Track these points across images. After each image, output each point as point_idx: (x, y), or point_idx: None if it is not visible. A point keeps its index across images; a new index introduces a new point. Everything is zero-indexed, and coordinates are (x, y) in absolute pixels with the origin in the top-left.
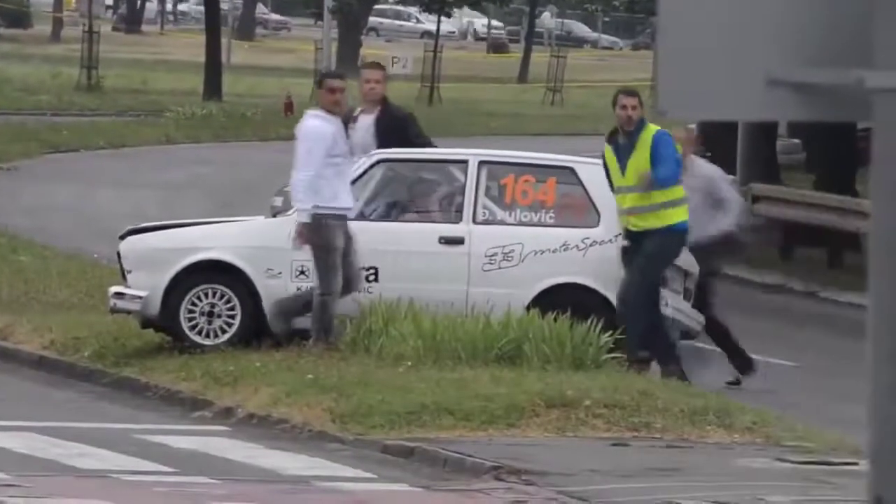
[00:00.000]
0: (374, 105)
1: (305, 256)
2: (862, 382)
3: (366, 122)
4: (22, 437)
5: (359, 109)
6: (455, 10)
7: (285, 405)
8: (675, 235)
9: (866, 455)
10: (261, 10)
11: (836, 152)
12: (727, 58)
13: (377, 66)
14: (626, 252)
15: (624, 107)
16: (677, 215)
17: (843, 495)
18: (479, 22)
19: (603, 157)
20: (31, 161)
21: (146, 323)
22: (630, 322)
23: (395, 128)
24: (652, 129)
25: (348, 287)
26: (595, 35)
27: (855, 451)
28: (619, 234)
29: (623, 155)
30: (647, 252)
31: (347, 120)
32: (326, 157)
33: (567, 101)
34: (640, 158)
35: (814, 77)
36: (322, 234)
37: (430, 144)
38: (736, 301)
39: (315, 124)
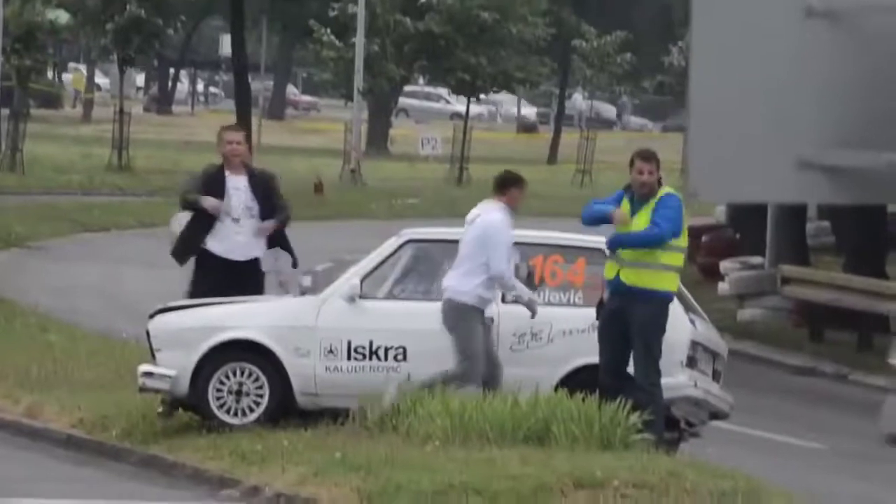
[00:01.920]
0: (238, 167)
1: (334, 336)
2: (892, 466)
3: (240, 183)
4: None
5: (215, 168)
6: (483, 94)
7: (313, 484)
8: (665, 303)
9: None
10: (291, 91)
11: (866, 235)
12: (758, 140)
13: (238, 127)
14: (601, 306)
15: (640, 172)
16: (672, 282)
17: None
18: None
19: (619, 199)
20: (61, 240)
21: (175, 402)
22: (643, 400)
23: (267, 188)
24: (665, 189)
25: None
26: (626, 118)
27: None
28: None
29: (636, 208)
30: (643, 324)
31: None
32: (509, 255)
33: (596, 181)
34: (647, 213)
35: (844, 160)
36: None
37: (287, 208)
38: (765, 383)
39: (502, 217)
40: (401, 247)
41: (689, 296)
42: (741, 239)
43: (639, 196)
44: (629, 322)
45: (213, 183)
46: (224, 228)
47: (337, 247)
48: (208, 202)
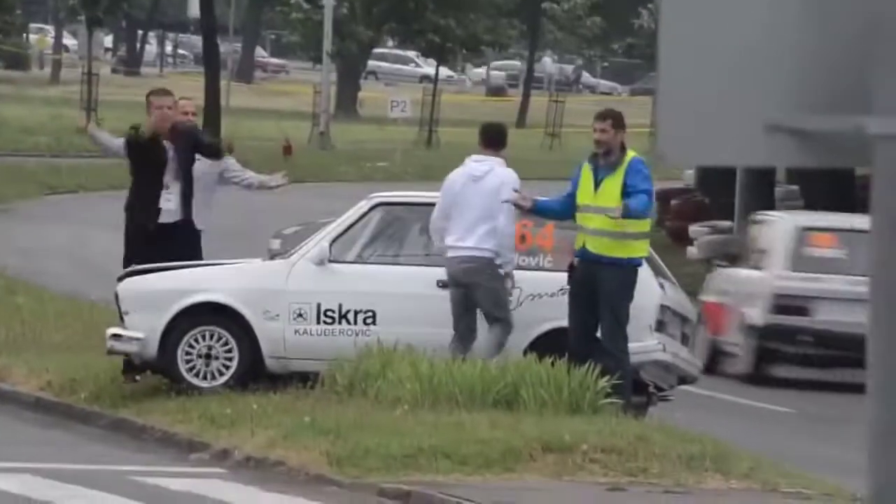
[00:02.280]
0: (166, 133)
1: (304, 299)
2: (861, 428)
3: (171, 149)
4: (19, 478)
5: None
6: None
7: (282, 448)
8: (633, 269)
9: (865, 502)
10: (260, 54)
11: (835, 198)
12: (726, 103)
13: (167, 91)
14: (572, 271)
15: (594, 130)
16: (640, 249)
17: None
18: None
19: (578, 171)
20: (29, 202)
21: (143, 365)
22: (610, 365)
23: (190, 142)
24: (630, 154)
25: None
26: (594, 80)
27: (853, 497)
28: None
29: (601, 174)
30: (610, 291)
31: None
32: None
33: (566, 145)
34: (615, 181)
35: (813, 123)
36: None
37: (219, 149)
38: None
39: (514, 174)
40: (370, 210)
41: (658, 260)
42: (710, 203)
43: (603, 160)
44: (597, 289)
45: (152, 151)
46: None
47: (306, 210)
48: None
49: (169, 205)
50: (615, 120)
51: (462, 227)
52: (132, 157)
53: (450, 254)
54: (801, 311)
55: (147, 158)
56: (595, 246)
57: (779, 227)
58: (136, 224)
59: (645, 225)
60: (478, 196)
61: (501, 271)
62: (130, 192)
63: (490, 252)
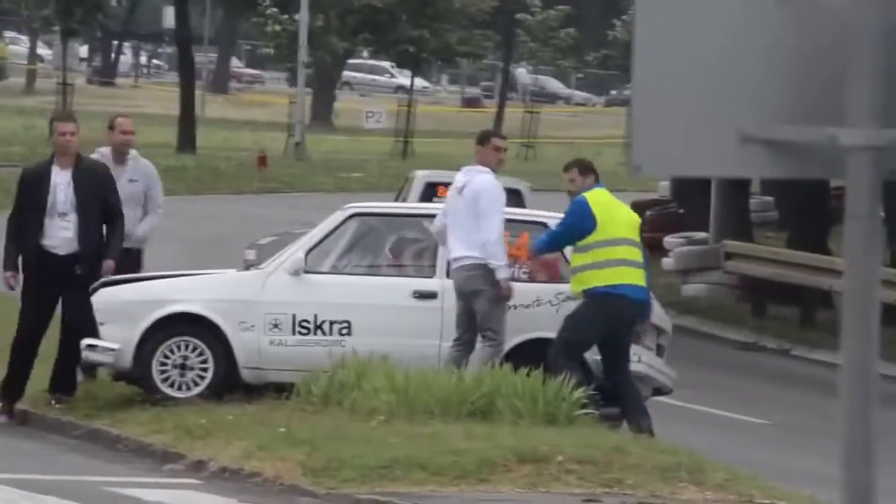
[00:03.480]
0: (68, 160)
1: (279, 310)
2: (834, 441)
3: (66, 178)
4: None
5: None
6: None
7: (257, 459)
8: (592, 298)
9: None
10: (235, 64)
11: (809, 210)
12: (701, 115)
13: (71, 117)
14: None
15: (504, 149)
16: (594, 279)
17: None
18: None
19: (588, 205)
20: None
21: (118, 375)
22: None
23: (96, 185)
24: (582, 194)
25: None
26: (568, 91)
27: None
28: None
29: None
30: (570, 314)
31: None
32: (502, 217)
33: (541, 156)
34: None
35: (787, 134)
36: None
37: (120, 212)
38: (707, 358)
39: (492, 181)
40: (345, 220)
41: None
42: (685, 214)
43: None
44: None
45: (36, 179)
46: (52, 224)
47: (281, 220)
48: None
49: (66, 233)
50: (581, 167)
51: (455, 238)
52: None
53: (452, 266)
54: None
55: (31, 186)
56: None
57: None
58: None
59: (591, 256)
60: (462, 207)
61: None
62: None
63: (483, 260)
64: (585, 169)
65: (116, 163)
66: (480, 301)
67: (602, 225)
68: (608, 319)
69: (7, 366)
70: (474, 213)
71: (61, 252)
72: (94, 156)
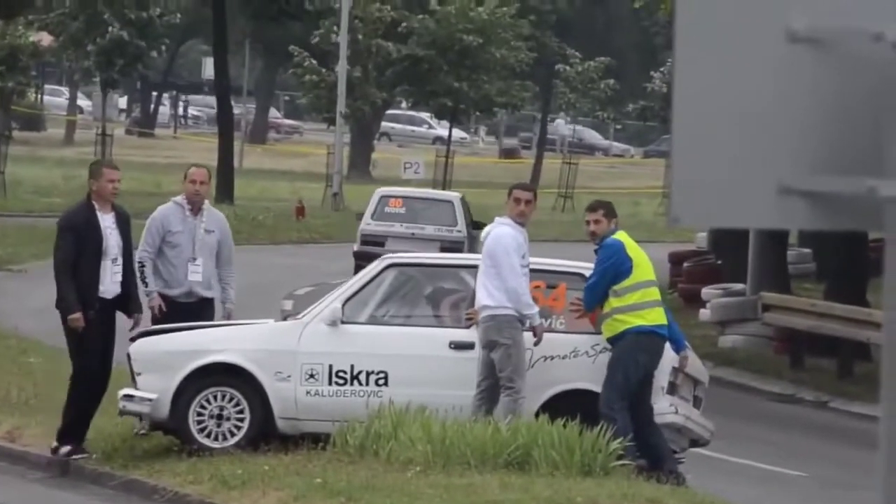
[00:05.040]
0: (109, 206)
1: (315, 360)
2: (871, 493)
3: (110, 221)
4: None
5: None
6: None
7: None
8: (630, 337)
9: None
10: (273, 115)
11: (848, 262)
12: (740, 166)
13: (115, 165)
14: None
15: (587, 223)
16: (634, 320)
17: None
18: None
19: (624, 248)
20: (42, 263)
21: (155, 426)
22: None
23: (128, 230)
24: (611, 236)
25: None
26: (607, 143)
27: None
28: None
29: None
30: (610, 358)
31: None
32: (518, 266)
33: (578, 207)
34: None
35: (825, 186)
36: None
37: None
38: (744, 410)
39: (502, 231)
40: (383, 270)
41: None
42: (723, 265)
43: (595, 248)
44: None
45: (86, 224)
46: (106, 269)
47: (319, 271)
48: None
49: (117, 277)
50: (606, 209)
51: (478, 286)
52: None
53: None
54: None
55: (83, 230)
56: (602, 331)
57: None
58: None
59: (632, 298)
60: (483, 256)
61: (522, 329)
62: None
63: (506, 310)
64: (610, 212)
65: (192, 212)
66: (497, 351)
67: (635, 267)
68: (650, 357)
69: (70, 407)
70: (489, 263)
71: (109, 296)
72: (168, 203)
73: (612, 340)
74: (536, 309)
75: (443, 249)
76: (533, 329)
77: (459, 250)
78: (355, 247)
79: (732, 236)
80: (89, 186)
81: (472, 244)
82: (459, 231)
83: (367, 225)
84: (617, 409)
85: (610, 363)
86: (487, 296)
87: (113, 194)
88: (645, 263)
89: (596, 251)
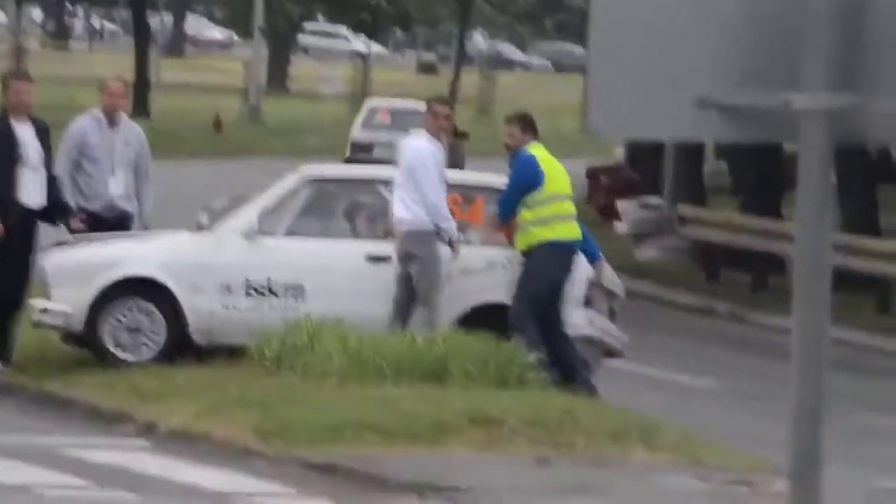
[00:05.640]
0: (25, 116)
1: (231, 273)
2: (784, 404)
3: (28, 133)
4: None
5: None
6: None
7: (208, 421)
8: (545, 249)
9: (787, 475)
10: (190, 28)
11: (763, 176)
12: (657, 78)
13: (27, 76)
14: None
15: (502, 133)
16: (548, 233)
17: None
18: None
19: (537, 160)
20: None
21: (69, 338)
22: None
23: (48, 141)
24: (524, 147)
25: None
26: (525, 57)
27: (776, 471)
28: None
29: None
30: (522, 272)
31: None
32: (435, 180)
33: (496, 121)
34: None
35: (741, 98)
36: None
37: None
38: (660, 322)
39: (422, 145)
40: (300, 184)
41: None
42: (640, 180)
43: (510, 160)
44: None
45: (3, 134)
46: (25, 178)
47: (236, 184)
48: None
49: (37, 187)
50: (523, 123)
51: (396, 199)
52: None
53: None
54: None
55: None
56: (515, 243)
57: None
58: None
59: (546, 210)
60: (401, 170)
61: (441, 243)
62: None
63: (423, 224)
64: (527, 125)
65: (109, 125)
66: (414, 264)
67: (548, 180)
68: (560, 269)
69: None
70: (407, 176)
71: (34, 206)
72: (84, 116)
73: (525, 253)
74: (454, 223)
75: None
76: (450, 243)
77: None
78: (347, 153)
79: (649, 150)
80: (2, 98)
81: (453, 153)
82: None
83: (357, 134)
84: (528, 322)
85: (521, 276)
86: (405, 209)
87: (23, 105)
88: (560, 177)
89: (510, 164)
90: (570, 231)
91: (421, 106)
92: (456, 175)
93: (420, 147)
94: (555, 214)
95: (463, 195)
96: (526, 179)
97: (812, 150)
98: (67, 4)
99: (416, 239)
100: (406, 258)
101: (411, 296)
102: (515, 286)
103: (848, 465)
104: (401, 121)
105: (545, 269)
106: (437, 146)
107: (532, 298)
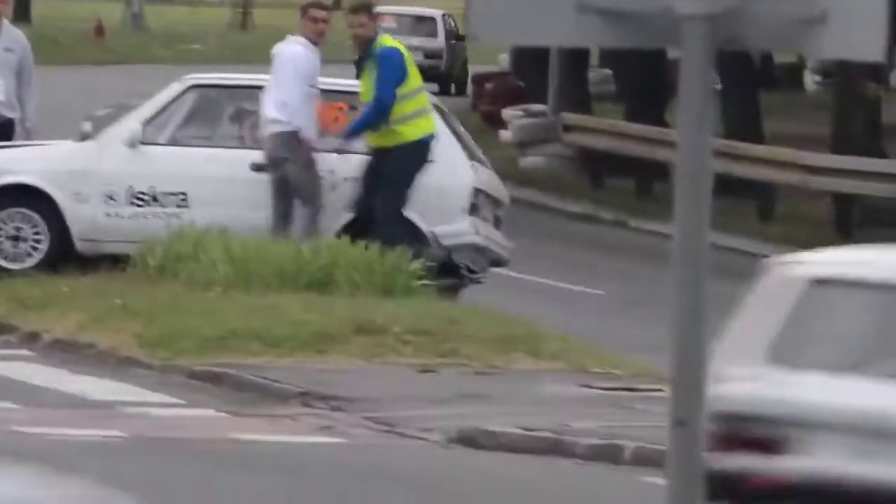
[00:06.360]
0: None
1: (115, 181)
2: (665, 308)
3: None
4: None
5: None
6: None
7: (92, 330)
8: (414, 147)
9: (669, 380)
10: None
11: (647, 82)
12: None
13: None
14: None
15: (351, 25)
16: (417, 128)
17: (647, 420)
18: None
19: (403, 55)
20: None
21: None
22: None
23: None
24: (381, 43)
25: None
26: None
27: (659, 377)
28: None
29: (361, 67)
30: (390, 170)
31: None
32: (303, 85)
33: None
34: (371, 72)
35: (623, 3)
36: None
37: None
38: (545, 229)
39: (294, 50)
40: (184, 92)
41: (471, 143)
42: (524, 87)
43: (361, 53)
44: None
45: None
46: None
47: (119, 92)
48: None
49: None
50: (370, 11)
51: (266, 102)
52: None
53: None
54: None
55: None
56: (374, 140)
57: None
58: None
59: (413, 104)
60: (272, 73)
61: (309, 147)
62: None
63: (290, 126)
64: (373, 13)
65: None
66: (288, 168)
67: (412, 73)
68: (420, 167)
69: None
70: (276, 80)
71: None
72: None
73: (379, 151)
74: (311, 124)
75: (425, 57)
76: (306, 141)
77: (439, 57)
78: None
79: (534, 57)
80: None
81: (452, 54)
82: (439, 42)
83: None
84: (400, 224)
85: (386, 180)
86: (268, 111)
87: None
88: (414, 68)
89: (358, 60)
90: (429, 125)
91: (419, 11)
92: (341, 82)
93: (295, 53)
94: (417, 110)
95: (348, 102)
96: (398, 75)
97: (693, 56)
98: None
99: (281, 141)
100: (276, 162)
101: (289, 200)
102: (383, 191)
103: None
104: (403, 25)
105: (408, 172)
106: (311, 52)
107: (400, 201)
